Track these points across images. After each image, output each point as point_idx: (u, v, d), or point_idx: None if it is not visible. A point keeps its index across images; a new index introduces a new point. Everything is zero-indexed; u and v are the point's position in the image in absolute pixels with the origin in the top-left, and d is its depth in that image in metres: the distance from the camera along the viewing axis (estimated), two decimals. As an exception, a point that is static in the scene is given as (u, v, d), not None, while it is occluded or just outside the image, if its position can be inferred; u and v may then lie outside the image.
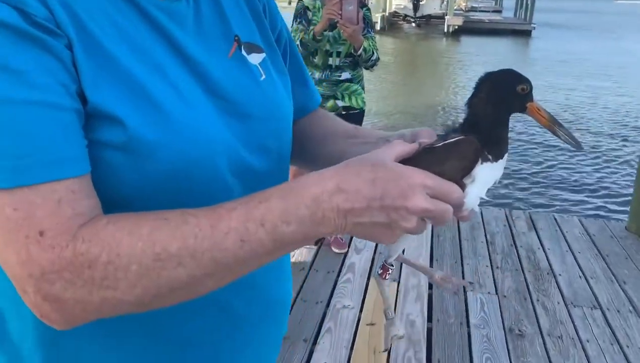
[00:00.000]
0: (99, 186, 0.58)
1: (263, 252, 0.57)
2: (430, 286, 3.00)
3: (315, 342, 2.49)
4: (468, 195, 0.65)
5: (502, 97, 0.69)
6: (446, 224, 0.63)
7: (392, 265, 0.78)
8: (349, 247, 3.38)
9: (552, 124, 0.71)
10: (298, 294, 2.86)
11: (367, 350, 2.45)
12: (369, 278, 3.03)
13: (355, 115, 3.14)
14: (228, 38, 0.72)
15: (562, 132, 0.71)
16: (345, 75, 3.06)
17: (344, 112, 3.09)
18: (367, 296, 2.87)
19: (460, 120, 0.70)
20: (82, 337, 0.65)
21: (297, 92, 0.87)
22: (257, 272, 0.60)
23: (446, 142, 0.67)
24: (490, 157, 0.67)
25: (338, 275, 3.07)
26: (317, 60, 3.02)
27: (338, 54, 3.02)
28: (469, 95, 0.70)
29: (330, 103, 3.06)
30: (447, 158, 0.64)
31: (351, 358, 2.39)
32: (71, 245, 0.52)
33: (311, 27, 2.95)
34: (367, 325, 2.63)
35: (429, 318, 2.70)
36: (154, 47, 0.63)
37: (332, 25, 2.96)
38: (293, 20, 3.07)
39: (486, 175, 0.66)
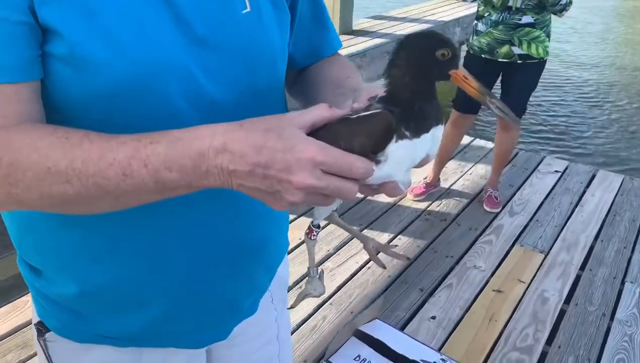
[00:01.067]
0: (50, 95, 0.63)
1: (147, 190, 0.58)
2: (582, 267, 2.67)
3: (431, 294, 2.43)
4: (380, 172, 0.58)
5: (420, 64, 0.59)
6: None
7: (318, 227, 0.74)
8: (503, 207, 3.15)
9: (483, 94, 0.61)
10: (430, 244, 2.79)
11: (484, 315, 2.31)
12: (513, 245, 2.81)
13: (533, 66, 2.82)
14: None
15: (495, 104, 0.60)
16: (527, 18, 2.73)
17: (519, 61, 2.80)
18: (503, 262, 2.67)
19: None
20: (54, 227, 0.72)
21: (311, 34, 0.83)
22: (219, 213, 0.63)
23: (360, 115, 0.60)
24: (407, 133, 0.59)
25: (480, 234, 2.90)
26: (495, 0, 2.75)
27: (520, -6, 2.71)
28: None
29: (504, 48, 2.78)
30: (357, 133, 0.58)
31: (463, 319, 2.28)
32: None
33: (494, -38, 2.67)
34: (492, 290, 2.47)
35: (567, 300, 2.42)
36: None
37: (520, -39, 2.65)
38: (476, -47, 2.82)
39: (402, 154, 0.59)
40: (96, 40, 0.60)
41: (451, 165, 3.60)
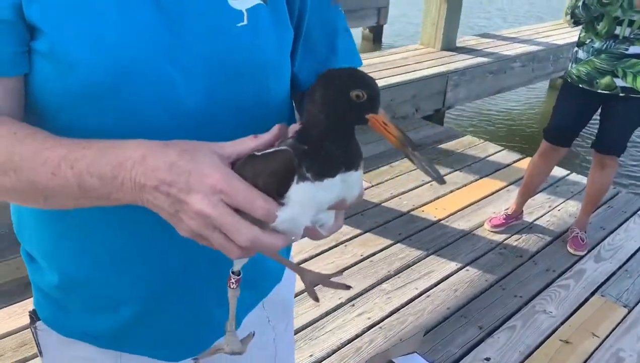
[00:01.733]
0: (32, 90, 0.65)
1: (72, 193, 0.59)
2: (671, 330, 2.38)
3: (490, 334, 2.28)
4: (283, 215, 0.55)
5: (334, 104, 0.55)
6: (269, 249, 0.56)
7: (239, 274, 0.68)
8: (589, 251, 2.90)
9: (403, 144, 0.54)
10: (499, 281, 2.62)
11: (545, 365, 2.13)
12: (592, 294, 2.57)
13: (637, 100, 2.57)
14: None
15: (417, 157, 0.54)
16: (635, 49, 2.49)
17: (622, 94, 2.56)
18: (578, 311, 2.45)
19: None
20: (40, 217, 0.74)
21: (321, 57, 0.82)
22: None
23: (265, 151, 0.57)
24: (309, 175, 0.55)
25: (558, 277, 2.68)
26: (600, 27, 2.53)
27: (630, 24, 2.47)
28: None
29: (605, 79, 2.56)
30: (259, 171, 0.55)
31: (520, 366, 2.12)
32: None
33: (603, -14, 2.47)
34: (560, 340, 2.27)
35: (646, 365, 2.17)
36: None
37: (633, -13, 2.42)
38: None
39: (304, 196, 0.55)
40: (77, 38, 0.61)
41: (539, 198, 3.38)
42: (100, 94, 0.62)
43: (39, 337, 0.84)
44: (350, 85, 0.55)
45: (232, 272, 0.67)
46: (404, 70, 4.92)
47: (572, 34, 6.73)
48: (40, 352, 0.86)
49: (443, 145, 4.14)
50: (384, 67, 4.96)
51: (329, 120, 0.55)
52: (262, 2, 0.71)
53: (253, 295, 0.87)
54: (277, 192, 0.55)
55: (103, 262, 0.73)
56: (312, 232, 0.59)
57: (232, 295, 0.68)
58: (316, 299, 0.67)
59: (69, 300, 0.78)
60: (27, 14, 0.61)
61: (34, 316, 0.84)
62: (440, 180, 0.57)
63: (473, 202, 3.32)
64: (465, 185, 3.54)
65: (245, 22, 0.69)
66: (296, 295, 2.34)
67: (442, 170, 3.70)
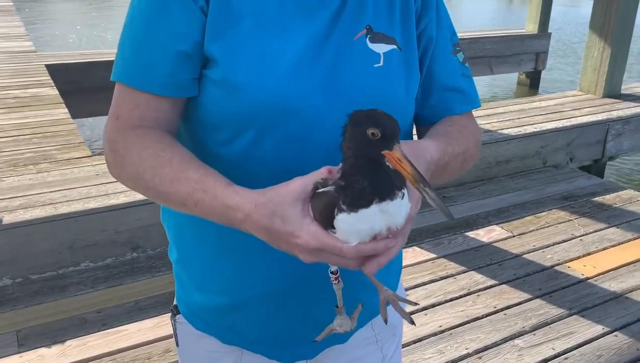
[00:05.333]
0: (200, 109, 0.80)
1: (200, 216, 0.74)
2: None
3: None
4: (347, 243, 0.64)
5: (355, 141, 0.62)
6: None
7: (335, 272, 0.76)
8: None
9: (417, 181, 0.58)
10: (654, 351, 2.32)
11: None
12: None
13: None
14: (362, 26, 0.81)
15: (429, 194, 0.58)
16: None
17: None
18: None
19: None
20: (182, 219, 0.89)
21: (441, 96, 0.89)
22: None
23: (318, 191, 0.66)
24: (344, 207, 0.62)
25: None
26: None
27: None
28: None
29: None
30: (316, 208, 0.66)
31: None
32: (117, 134, 0.78)
33: None
34: None
35: None
36: (287, 15, 0.77)
37: None
38: None
39: (345, 227, 0.63)
40: (243, 70, 0.75)
41: None
42: (256, 115, 0.76)
43: (177, 329, 0.97)
44: (367, 124, 0.60)
45: (331, 272, 0.76)
46: (559, 116, 4.66)
47: None
48: (177, 343, 0.99)
49: (598, 198, 3.82)
50: (537, 113, 4.75)
51: (356, 157, 0.62)
52: (396, 48, 0.82)
53: (363, 313, 0.91)
54: (328, 225, 0.65)
55: (234, 262, 0.85)
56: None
57: (337, 288, 0.77)
58: (385, 319, 0.74)
59: (200, 297, 0.90)
60: (207, 49, 0.76)
61: (175, 310, 0.97)
62: (450, 217, 0.61)
63: (630, 262, 3.00)
64: (622, 243, 3.21)
65: (381, 63, 0.80)
66: (420, 340, 2.31)
67: (595, 225, 3.41)
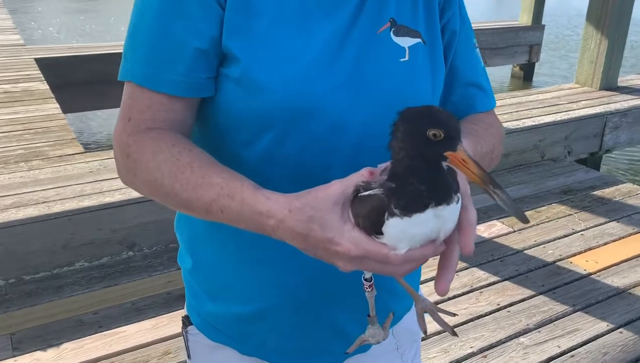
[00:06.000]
0: (217, 110, 0.75)
1: (225, 223, 0.69)
2: None
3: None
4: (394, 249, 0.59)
5: (412, 142, 0.56)
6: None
7: (369, 280, 0.71)
8: None
9: (484, 181, 0.53)
10: (660, 348, 2.31)
11: None
12: None
13: None
14: (385, 19, 0.76)
15: (498, 195, 0.53)
16: None
17: None
18: None
19: None
20: (200, 228, 0.84)
21: (463, 92, 0.86)
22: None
23: (362, 194, 0.60)
24: (397, 211, 0.57)
25: None
26: None
27: None
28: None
29: None
30: (359, 213, 0.60)
31: None
32: (130, 137, 0.72)
33: None
34: None
35: None
36: (308, 11, 0.73)
37: None
38: None
39: (395, 232, 0.58)
40: (264, 68, 0.70)
41: None
42: (276, 115, 0.71)
43: (189, 340, 0.92)
44: (427, 124, 0.55)
45: (364, 279, 0.71)
46: (556, 109, 4.64)
47: None
48: (189, 355, 0.94)
49: (598, 192, 3.80)
50: (534, 106, 4.72)
51: (411, 158, 0.56)
52: (421, 42, 0.78)
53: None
54: (374, 230, 0.59)
55: (252, 272, 0.81)
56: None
57: (370, 296, 0.72)
58: (424, 330, 0.72)
59: (217, 307, 0.86)
60: (226, 45, 0.71)
61: (186, 321, 0.92)
62: (524, 220, 0.56)
63: (632, 257, 2.98)
64: (623, 238, 3.19)
65: (406, 57, 0.76)
66: (424, 339, 2.28)
67: (596, 220, 3.39)
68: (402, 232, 0.57)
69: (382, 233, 0.58)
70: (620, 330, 2.42)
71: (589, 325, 2.44)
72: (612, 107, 4.73)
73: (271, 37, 0.70)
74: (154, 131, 0.72)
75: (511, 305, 2.56)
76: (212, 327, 0.88)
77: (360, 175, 0.62)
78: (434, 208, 0.57)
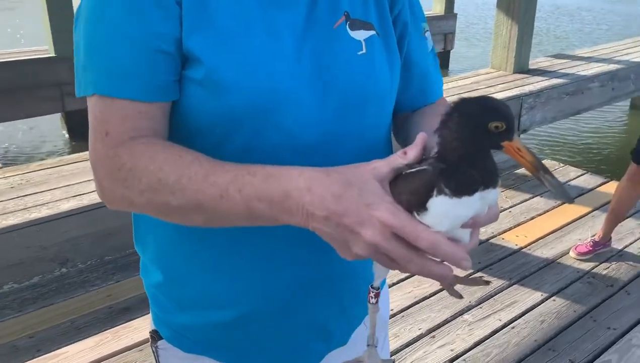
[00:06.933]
0: (183, 113, 0.72)
1: (237, 214, 0.64)
2: None
3: (583, 368, 2.15)
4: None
5: (471, 132, 0.58)
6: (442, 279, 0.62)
7: (378, 288, 0.71)
8: (690, 281, 2.69)
9: (536, 168, 0.57)
10: (589, 312, 2.48)
11: (647, 405, 1.98)
12: (698, 326, 2.38)
13: None
14: (339, 13, 0.77)
15: (549, 181, 0.57)
16: None
17: None
18: (682, 345, 2.27)
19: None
20: (171, 234, 0.80)
21: (418, 80, 0.87)
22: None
23: (409, 171, 0.61)
24: (447, 191, 0.58)
25: (656, 308, 2.51)
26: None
27: None
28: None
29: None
30: (405, 189, 0.60)
31: (619, 405, 1.98)
32: (116, 150, 0.68)
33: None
34: (662, 377, 2.11)
35: None
36: (263, 8, 0.71)
37: None
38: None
39: (441, 210, 0.59)
40: (230, 67, 0.68)
41: (628, 224, 3.19)
42: (245, 114, 0.70)
43: (160, 356, 0.88)
44: (489, 117, 0.58)
45: (372, 287, 0.71)
46: (477, 94, 4.83)
47: (655, 50, 6.41)
48: None
49: (520, 170, 4.01)
50: (455, 93, 4.90)
51: (465, 147, 0.58)
52: (375, 34, 0.78)
53: (362, 307, 0.89)
54: (419, 205, 0.59)
55: (230, 277, 0.78)
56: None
57: (373, 311, 0.72)
58: (460, 296, 0.75)
59: (192, 317, 0.83)
60: (186, 46, 0.68)
61: (155, 335, 0.88)
62: (570, 201, 0.60)
63: (556, 229, 3.18)
64: (547, 211, 3.40)
65: (364, 50, 0.76)
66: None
67: (521, 196, 3.59)
68: (447, 210, 0.58)
69: (425, 209, 0.59)
70: (553, 298, 2.58)
71: (525, 297, 2.58)
72: (527, 88, 5.00)
73: (231, 35, 0.69)
74: (141, 138, 0.68)
75: (452, 284, 2.66)
76: (185, 339, 0.85)
77: (398, 156, 0.62)
78: (482, 191, 0.59)
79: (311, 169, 0.62)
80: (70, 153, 5.43)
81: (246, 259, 0.76)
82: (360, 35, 0.77)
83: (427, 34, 0.89)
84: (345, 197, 0.58)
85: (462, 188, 0.58)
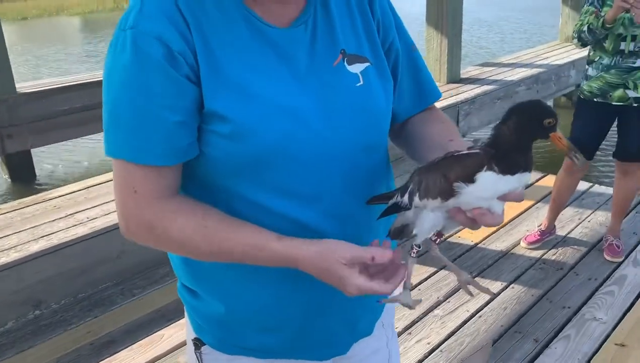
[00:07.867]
0: (209, 163, 0.82)
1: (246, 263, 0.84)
2: None
3: (546, 345, 2.36)
4: (468, 192, 0.75)
5: (528, 128, 0.75)
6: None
7: (419, 246, 0.85)
8: (626, 257, 2.99)
9: (570, 150, 0.78)
10: (545, 294, 2.71)
11: (606, 370, 2.21)
12: (638, 297, 2.65)
13: (649, 109, 2.72)
14: (336, 51, 0.87)
15: (579, 159, 0.80)
16: (642, 62, 2.66)
17: (635, 105, 2.71)
18: (627, 314, 2.53)
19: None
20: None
21: (410, 91, 1.00)
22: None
23: (461, 153, 0.78)
24: (495, 168, 0.75)
25: (601, 285, 2.77)
26: (606, 44, 2.71)
27: (634, 38, 2.64)
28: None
29: (618, 92, 2.71)
30: (455, 165, 0.77)
31: (582, 373, 2.19)
32: (146, 210, 0.81)
33: (604, 10, 2.65)
34: (615, 344, 2.35)
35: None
36: (270, 63, 0.82)
37: (632, 5, 2.60)
38: (585, 0, 2.81)
39: (487, 181, 0.75)
40: (253, 118, 0.79)
41: (568, 212, 3.48)
42: (269, 155, 0.81)
43: (204, 360, 0.98)
44: (544, 115, 0.75)
45: (415, 244, 0.84)
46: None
47: (571, 53, 6.96)
48: None
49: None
50: (396, 106, 5.15)
51: (519, 139, 0.75)
52: (369, 64, 0.89)
53: (372, 314, 1.03)
54: (467, 177, 0.75)
55: (267, 288, 0.90)
56: (481, 215, 0.76)
57: (411, 262, 0.85)
58: (470, 294, 0.89)
59: (235, 325, 0.93)
60: (210, 108, 0.79)
61: (198, 343, 0.98)
62: (583, 163, 0.80)
63: (506, 223, 3.43)
64: (495, 208, 3.64)
65: (361, 82, 0.87)
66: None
67: (470, 197, 3.82)
68: (492, 183, 0.75)
69: (472, 181, 0.75)
70: (512, 286, 2.80)
71: (487, 287, 2.78)
72: (461, 96, 5.33)
73: (248, 90, 0.79)
74: (165, 199, 0.82)
75: (420, 283, 2.83)
76: (228, 344, 0.95)
77: (364, 257, 0.78)
78: (520, 173, 0.76)
79: (299, 253, 0.79)
80: (14, 197, 5.29)
81: (277, 275, 0.88)
82: (357, 68, 0.88)
83: (414, 47, 1.01)
84: (325, 277, 0.80)
85: (508, 168, 0.75)
